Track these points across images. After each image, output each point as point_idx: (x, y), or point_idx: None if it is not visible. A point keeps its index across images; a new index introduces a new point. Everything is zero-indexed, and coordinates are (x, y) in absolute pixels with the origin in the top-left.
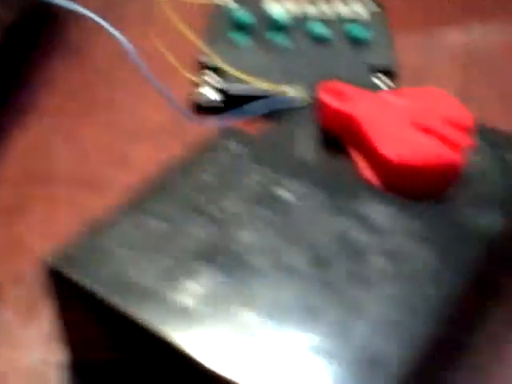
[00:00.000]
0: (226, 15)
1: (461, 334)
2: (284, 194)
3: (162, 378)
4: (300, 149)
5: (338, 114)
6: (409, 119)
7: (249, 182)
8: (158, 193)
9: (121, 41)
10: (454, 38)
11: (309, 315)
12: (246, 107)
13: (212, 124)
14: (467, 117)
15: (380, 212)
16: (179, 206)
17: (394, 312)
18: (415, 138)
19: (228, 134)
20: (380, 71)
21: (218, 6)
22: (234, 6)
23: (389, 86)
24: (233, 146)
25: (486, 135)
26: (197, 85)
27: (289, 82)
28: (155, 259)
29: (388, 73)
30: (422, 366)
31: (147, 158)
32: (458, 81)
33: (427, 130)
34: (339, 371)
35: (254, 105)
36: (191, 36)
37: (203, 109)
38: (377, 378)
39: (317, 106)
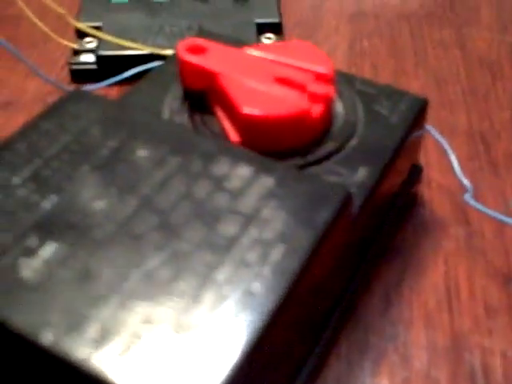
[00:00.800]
0: None
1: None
2: (138, 159)
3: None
4: (160, 110)
5: (198, 70)
6: (271, 73)
7: (99, 148)
8: None
9: None
10: None
11: (156, 288)
12: (123, 73)
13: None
14: (331, 69)
15: (237, 174)
16: (16, 175)
17: (245, 281)
18: (275, 92)
19: (77, 97)
20: (266, 28)
21: None
22: None
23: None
24: (81, 109)
25: (359, 87)
26: (77, 52)
27: (168, 41)
28: None
29: (275, 29)
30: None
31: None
32: (347, 34)
33: (289, 83)
34: (191, 344)
35: (129, 69)
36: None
37: (80, 76)
38: (225, 348)
39: (179, 63)
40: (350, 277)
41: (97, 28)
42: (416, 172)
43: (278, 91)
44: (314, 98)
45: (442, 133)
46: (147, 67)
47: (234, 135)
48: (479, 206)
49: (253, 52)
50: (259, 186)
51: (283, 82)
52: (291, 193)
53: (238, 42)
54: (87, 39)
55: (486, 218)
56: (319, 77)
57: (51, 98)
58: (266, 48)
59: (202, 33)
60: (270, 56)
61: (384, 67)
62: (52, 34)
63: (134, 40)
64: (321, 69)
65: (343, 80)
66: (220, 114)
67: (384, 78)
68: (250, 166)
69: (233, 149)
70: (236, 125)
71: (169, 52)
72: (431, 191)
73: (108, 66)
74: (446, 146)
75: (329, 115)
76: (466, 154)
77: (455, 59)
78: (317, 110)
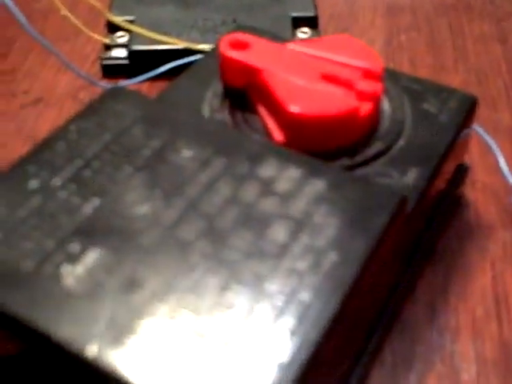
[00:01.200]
0: None
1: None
2: (182, 161)
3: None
4: (202, 108)
5: (241, 67)
6: (318, 70)
7: (141, 149)
8: (35, 162)
9: (11, 8)
10: None
11: (205, 299)
12: (157, 68)
13: (119, 85)
14: (380, 65)
15: (286, 176)
16: (57, 176)
17: (298, 291)
18: (321, 90)
19: (116, 95)
20: (302, 22)
21: None
22: None
23: (312, 36)
24: (122, 108)
25: (406, 84)
26: (108, 46)
27: (202, 36)
28: (32, 239)
29: (310, 23)
30: (326, 348)
31: (53, 126)
32: (384, 28)
33: (335, 81)
34: (238, 357)
35: (162, 64)
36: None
37: (112, 71)
38: (281, 364)
39: (220, 59)
40: (396, 283)
41: (129, 22)
42: (462, 172)
43: (324, 89)
44: (361, 95)
45: (486, 131)
46: (181, 62)
47: (278, 134)
48: None
49: (296, 48)
50: (309, 190)
51: (329, 79)
52: (343, 197)
53: (277, 37)
54: (119, 33)
55: None
56: (367, 73)
57: (83, 94)
58: (311, 43)
59: (241, 27)
60: (315, 52)
61: (422, 63)
62: (83, 28)
63: (167, 34)
64: (368, 65)
65: (389, 76)
66: (263, 112)
67: (423, 74)
68: (299, 167)
69: (280, 149)
70: (281, 124)
71: (203, 47)
72: (476, 192)
73: (141, 61)
74: (494, 146)
75: (377, 114)
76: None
77: (496, 54)
78: (365, 108)
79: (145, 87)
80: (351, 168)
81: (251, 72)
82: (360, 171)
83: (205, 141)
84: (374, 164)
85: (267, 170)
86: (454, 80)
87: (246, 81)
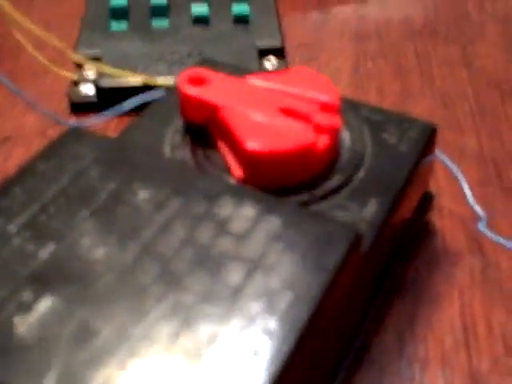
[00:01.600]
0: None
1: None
2: (138, 203)
3: None
4: (161, 146)
5: (199, 103)
6: (276, 104)
7: (98, 191)
8: None
9: None
10: (348, 11)
11: (158, 346)
12: (122, 104)
13: (86, 123)
14: (337, 98)
15: (241, 215)
16: (12, 222)
17: (251, 334)
18: (279, 124)
19: (75, 136)
20: (268, 51)
21: None
22: None
23: (279, 66)
24: (80, 149)
25: (366, 115)
26: (76, 82)
27: (168, 69)
28: None
29: (277, 52)
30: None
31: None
32: (351, 55)
33: (293, 114)
34: None
35: (129, 100)
36: (56, 41)
37: (81, 107)
38: None
39: (179, 96)
40: (362, 315)
41: (96, 58)
42: (427, 200)
43: (282, 123)
44: (319, 129)
45: (451, 157)
46: (146, 98)
47: (237, 171)
48: (493, 236)
49: (256, 81)
50: (264, 228)
51: (288, 112)
52: (298, 234)
53: (240, 70)
54: (87, 68)
55: (501, 247)
56: (324, 106)
57: (51, 131)
58: (270, 76)
59: (204, 61)
60: (274, 85)
61: (389, 89)
62: (51, 66)
63: (134, 69)
64: (326, 98)
65: (349, 107)
66: (223, 148)
67: (390, 100)
68: (254, 205)
69: (236, 187)
70: (240, 160)
71: (169, 80)
72: (443, 220)
73: (108, 97)
74: (457, 173)
75: (335, 146)
76: (477, 178)
77: (462, 78)
78: (323, 142)
79: (114, 123)
80: (310, 203)
81: (209, 108)
82: (319, 206)
83: (161, 181)
84: (334, 198)
85: (223, 209)
86: (421, 106)
87: (205, 117)
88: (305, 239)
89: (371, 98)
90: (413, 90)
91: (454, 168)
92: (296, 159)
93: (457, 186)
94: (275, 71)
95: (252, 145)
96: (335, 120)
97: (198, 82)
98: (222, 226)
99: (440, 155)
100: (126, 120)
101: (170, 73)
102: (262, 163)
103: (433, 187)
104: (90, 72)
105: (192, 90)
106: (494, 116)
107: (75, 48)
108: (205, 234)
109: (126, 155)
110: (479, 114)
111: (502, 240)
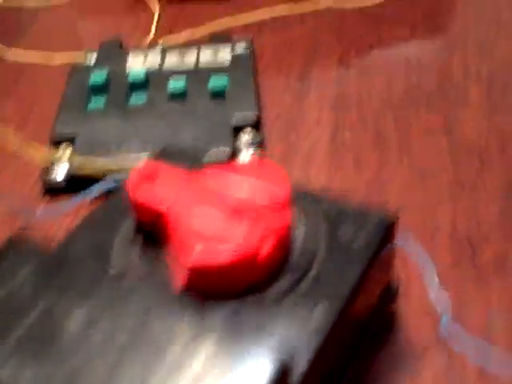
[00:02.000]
0: (85, 77)
1: None
2: (67, 324)
3: None
4: (107, 250)
5: (145, 207)
6: (224, 203)
7: (28, 311)
8: None
9: None
10: (329, 79)
11: None
12: (91, 188)
13: (54, 212)
14: (288, 193)
15: (175, 343)
16: None
17: None
18: (220, 232)
19: (15, 246)
20: (244, 125)
21: (76, 67)
22: (92, 66)
23: (254, 139)
24: (18, 262)
25: (325, 207)
26: (49, 164)
27: (143, 145)
28: None
29: (254, 125)
30: None
31: None
32: (330, 125)
33: (241, 214)
34: None
35: (96, 185)
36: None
37: (52, 190)
38: None
39: (129, 195)
40: None
41: (71, 138)
42: (390, 291)
43: (225, 228)
44: (266, 231)
45: (423, 237)
46: (111, 184)
47: (180, 278)
48: (458, 332)
49: (208, 177)
50: (199, 351)
51: (235, 212)
52: (226, 369)
53: (200, 160)
54: (60, 150)
55: (466, 343)
56: (275, 203)
57: (19, 222)
58: (223, 169)
59: (165, 150)
60: (228, 180)
61: (367, 161)
62: (22, 150)
63: (108, 147)
64: (277, 194)
65: (310, 200)
66: (168, 251)
67: (366, 174)
68: (187, 331)
69: (171, 303)
70: (179, 269)
71: (140, 158)
72: (408, 312)
73: (78, 183)
74: (425, 261)
75: (285, 247)
76: (450, 260)
77: (442, 147)
78: (267, 247)
79: (85, 204)
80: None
81: (154, 213)
82: (262, 313)
83: (95, 298)
84: (282, 303)
85: (156, 330)
86: (397, 179)
87: (151, 219)
88: (236, 367)
89: (348, 169)
90: (390, 160)
91: (421, 255)
92: (234, 271)
93: (425, 273)
94: (232, 163)
95: (187, 259)
96: (284, 220)
97: (149, 178)
98: (155, 353)
99: (404, 244)
100: (97, 201)
101: (143, 149)
102: (197, 276)
103: (402, 274)
104: (62, 157)
105: (138, 193)
106: (473, 188)
107: (52, 127)
108: (136, 361)
109: (63, 270)
110: (457, 184)
111: (466, 338)
